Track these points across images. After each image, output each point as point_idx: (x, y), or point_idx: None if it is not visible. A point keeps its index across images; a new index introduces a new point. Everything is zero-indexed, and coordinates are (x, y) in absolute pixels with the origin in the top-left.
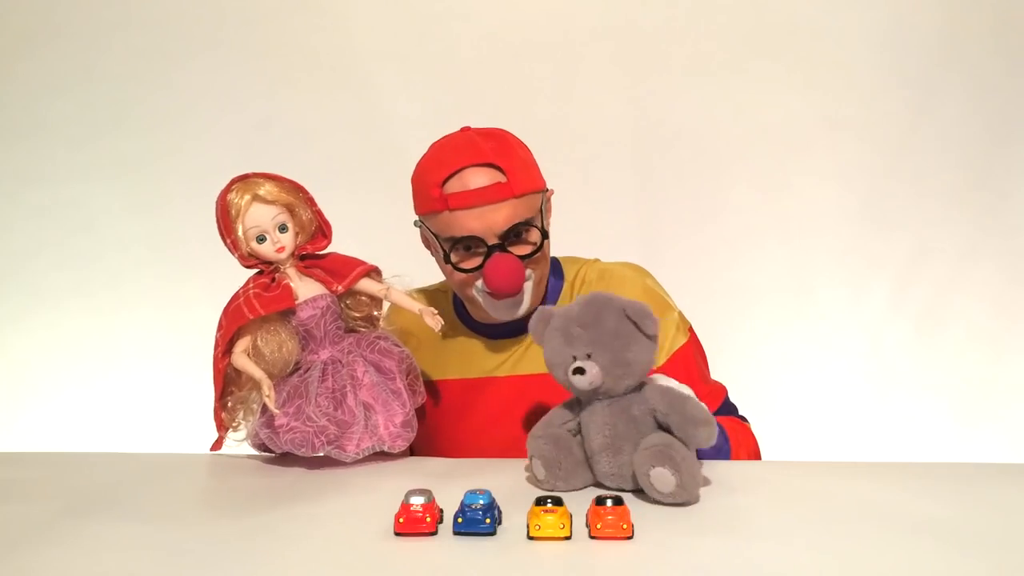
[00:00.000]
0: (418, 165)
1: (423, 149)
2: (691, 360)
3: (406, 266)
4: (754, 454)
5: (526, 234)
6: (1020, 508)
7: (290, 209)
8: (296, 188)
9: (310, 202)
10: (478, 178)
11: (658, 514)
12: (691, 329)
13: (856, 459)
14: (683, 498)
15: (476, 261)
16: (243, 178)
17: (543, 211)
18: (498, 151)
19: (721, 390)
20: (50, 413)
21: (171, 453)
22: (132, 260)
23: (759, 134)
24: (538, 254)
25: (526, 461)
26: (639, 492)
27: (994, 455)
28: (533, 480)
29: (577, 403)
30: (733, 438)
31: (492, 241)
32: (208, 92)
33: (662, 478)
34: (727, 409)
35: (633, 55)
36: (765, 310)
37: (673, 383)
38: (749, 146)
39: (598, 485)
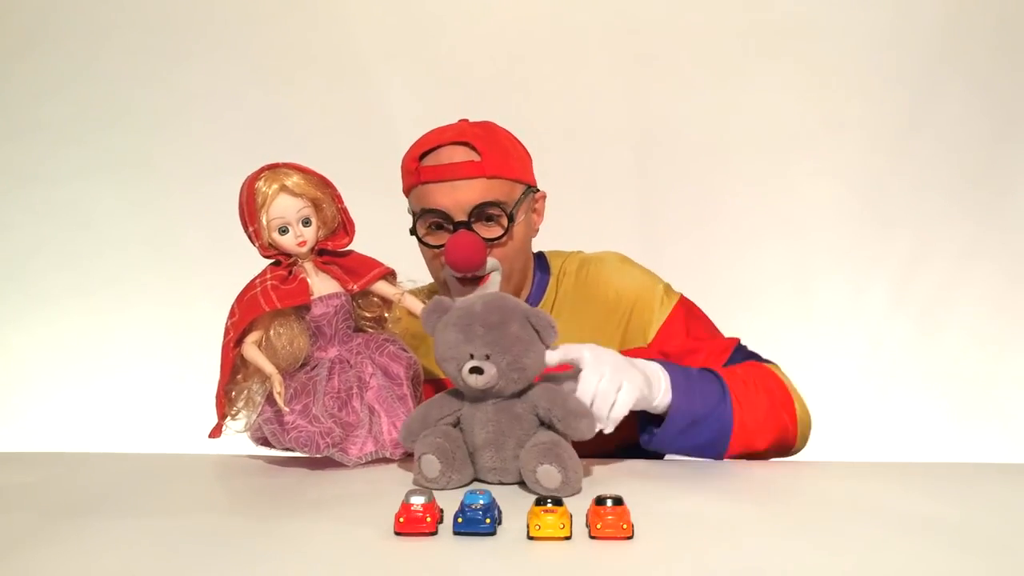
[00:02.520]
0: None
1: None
2: (682, 323)
3: (404, 266)
4: (775, 390)
5: (496, 217)
6: (1020, 508)
7: (316, 204)
8: (324, 183)
9: (337, 198)
10: (453, 154)
11: (658, 514)
12: (681, 296)
13: (856, 459)
14: (567, 492)
15: (443, 238)
16: (273, 167)
17: (521, 204)
18: (480, 135)
19: (729, 343)
20: (50, 413)
21: (171, 453)
22: (132, 259)
23: (759, 134)
24: (505, 240)
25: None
26: (522, 484)
27: (994, 454)
28: (421, 481)
29: (455, 398)
30: (738, 395)
31: (459, 218)
32: (208, 92)
33: (548, 474)
34: (742, 357)
35: (633, 55)
36: (765, 309)
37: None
38: (749, 146)
39: (479, 480)
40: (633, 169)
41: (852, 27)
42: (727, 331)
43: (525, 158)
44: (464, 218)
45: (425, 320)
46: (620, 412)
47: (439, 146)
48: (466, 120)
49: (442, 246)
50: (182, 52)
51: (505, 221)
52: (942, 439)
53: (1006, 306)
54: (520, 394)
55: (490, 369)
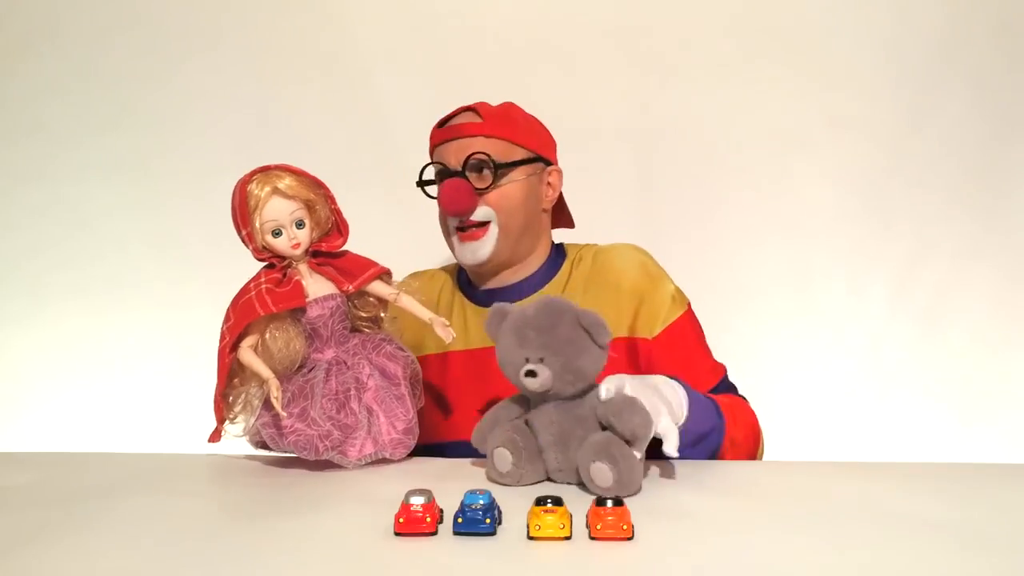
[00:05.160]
0: None
1: (423, 149)
2: (688, 330)
3: (403, 266)
4: (751, 428)
5: (487, 170)
6: (1021, 508)
7: (309, 205)
8: (317, 184)
9: (330, 199)
10: (461, 118)
11: (658, 515)
12: (688, 305)
13: (856, 459)
14: (621, 492)
15: None
16: (264, 169)
17: (520, 166)
18: (491, 106)
19: (720, 368)
20: (49, 413)
21: (171, 453)
22: (131, 259)
23: (759, 133)
24: (491, 189)
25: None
26: (583, 486)
27: (994, 455)
28: (494, 475)
29: (524, 400)
30: (728, 413)
31: (453, 167)
32: (207, 91)
33: (600, 472)
34: (725, 388)
35: (634, 55)
36: (765, 309)
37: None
38: (749, 145)
39: (550, 479)
40: (633, 169)
41: (852, 27)
42: (727, 330)
43: (538, 132)
44: (458, 168)
45: (488, 326)
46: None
47: (453, 114)
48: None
49: (434, 196)
50: (182, 52)
51: (490, 174)
52: (942, 439)
53: (1006, 306)
54: (581, 395)
55: (543, 372)
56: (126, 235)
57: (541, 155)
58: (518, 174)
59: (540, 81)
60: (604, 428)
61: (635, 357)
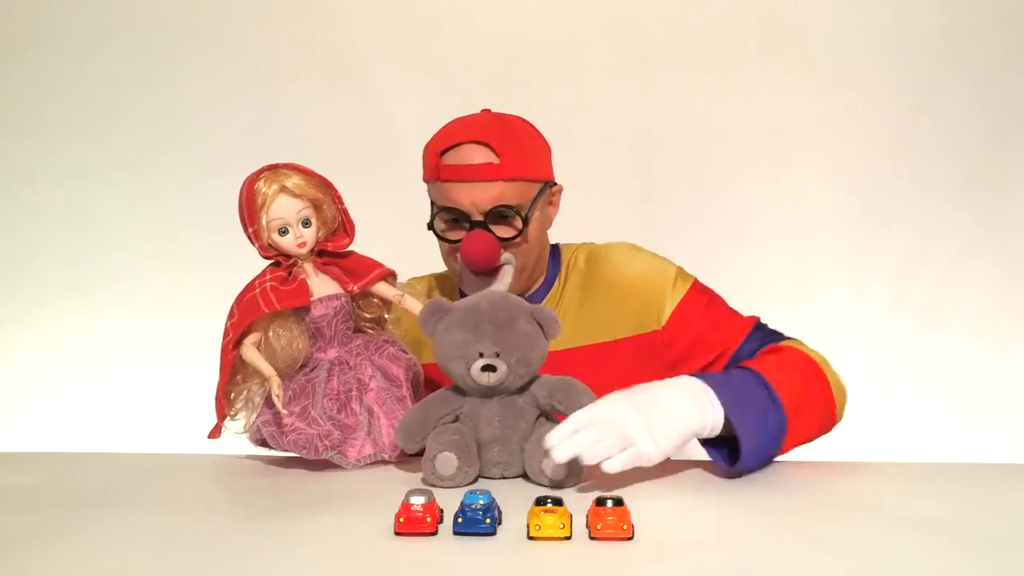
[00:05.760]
0: (432, 136)
1: (422, 149)
2: (697, 301)
3: (404, 266)
4: (804, 368)
5: (511, 218)
6: (1021, 508)
7: (316, 204)
8: (324, 184)
9: (337, 199)
10: (472, 154)
11: (658, 515)
12: (695, 280)
13: (856, 458)
14: (570, 484)
15: (459, 235)
16: (273, 167)
17: (537, 201)
18: (501, 133)
19: (746, 322)
20: (50, 413)
21: (171, 453)
22: (132, 259)
23: (759, 134)
24: (519, 240)
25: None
26: (525, 477)
27: (995, 455)
28: (434, 480)
29: (454, 396)
30: (777, 377)
31: (475, 217)
32: (208, 91)
33: (554, 466)
34: (761, 337)
35: (633, 55)
36: (765, 309)
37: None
38: (749, 146)
39: (482, 475)
40: (633, 169)
41: (852, 27)
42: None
43: (544, 153)
44: (480, 218)
45: (424, 322)
46: (609, 466)
47: (460, 143)
48: (488, 112)
49: (458, 242)
50: (182, 52)
51: (519, 223)
52: (942, 439)
53: (1006, 306)
54: (522, 389)
55: (501, 366)
56: (126, 235)
57: (547, 179)
58: (535, 212)
59: (540, 81)
60: (543, 415)
61: (651, 352)
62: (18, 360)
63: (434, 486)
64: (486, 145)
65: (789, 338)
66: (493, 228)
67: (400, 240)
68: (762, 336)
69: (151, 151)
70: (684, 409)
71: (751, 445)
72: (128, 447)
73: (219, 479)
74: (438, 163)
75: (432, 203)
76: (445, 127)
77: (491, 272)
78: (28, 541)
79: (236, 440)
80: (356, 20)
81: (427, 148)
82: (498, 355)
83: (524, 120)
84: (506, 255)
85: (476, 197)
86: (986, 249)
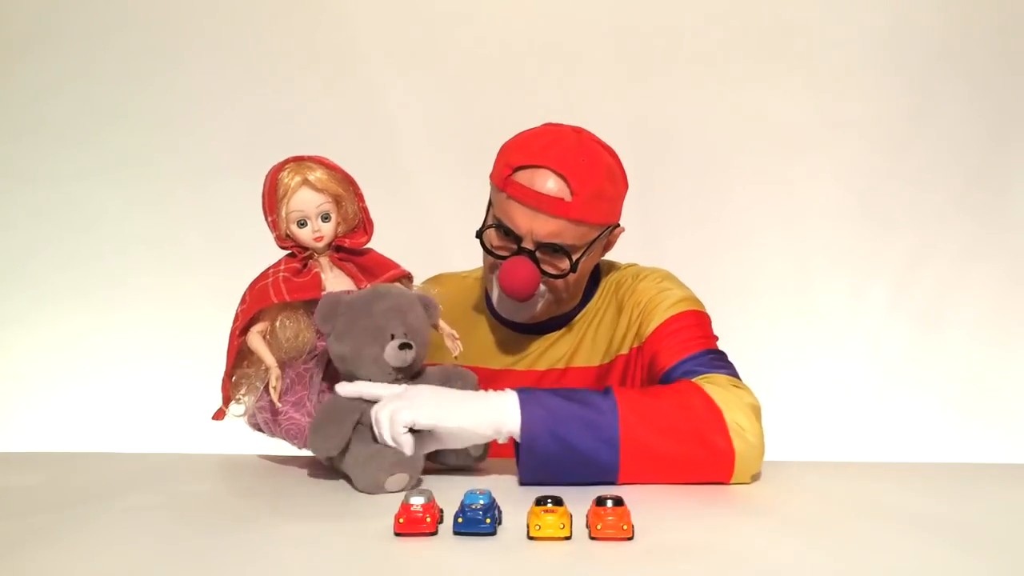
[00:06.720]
0: (516, 136)
1: (423, 149)
2: (677, 322)
3: (407, 266)
4: (695, 406)
5: (561, 256)
6: (1021, 508)
7: (337, 200)
8: (347, 180)
9: (359, 197)
10: (545, 182)
11: (658, 515)
12: (695, 310)
13: (856, 459)
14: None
15: (506, 252)
16: (298, 159)
17: (594, 244)
18: (582, 169)
19: (698, 345)
20: (50, 413)
21: (171, 453)
22: (132, 259)
23: (759, 134)
24: (559, 281)
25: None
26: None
27: (995, 455)
28: (371, 489)
29: (355, 403)
30: (633, 403)
31: (527, 245)
32: (208, 91)
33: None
34: (705, 363)
35: (633, 55)
36: (765, 310)
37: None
38: (749, 146)
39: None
40: (633, 169)
41: (852, 27)
42: (727, 330)
43: (619, 198)
44: (531, 247)
45: (321, 320)
46: (392, 429)
47: (538, 166)
48: (580, 134)
49: (500, 257)
50: (182, 52)
51: (567, 264)
52: (942, 439)
53: (1006, 306)
54: (414, 378)
55: (414, 346)
56: (126, 235)
57: (614, 223)
58: (589, 254)
59: (541, 81)
60: None
61: (637, 368)
62: (18, 361)
63: (374, 494)
64: (563, 178)
65: (729, 376)
66: (541, 258)
67: (400, 240)
68: (706, 362)
69: (151, 152)
70: (476, 408)
71: (527, 468)
72: (128, 447)
73: (219, 479)
74: (509, 176)
75: (489, 204)
76: (529, 136)
77: (525, 299)
78: (28, 541)
79: (237, 439)
80: (357, 20)
81: (505, 151)
82: (406, 335)
83: (612, 154)
84: (542, 288)
85: (536, 226)
86: (986, 250)
